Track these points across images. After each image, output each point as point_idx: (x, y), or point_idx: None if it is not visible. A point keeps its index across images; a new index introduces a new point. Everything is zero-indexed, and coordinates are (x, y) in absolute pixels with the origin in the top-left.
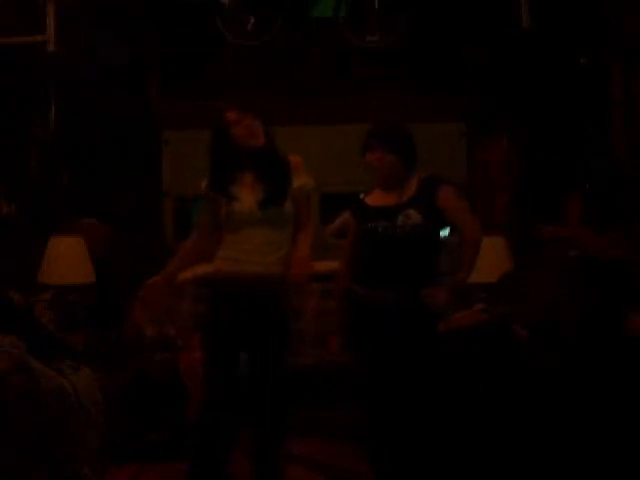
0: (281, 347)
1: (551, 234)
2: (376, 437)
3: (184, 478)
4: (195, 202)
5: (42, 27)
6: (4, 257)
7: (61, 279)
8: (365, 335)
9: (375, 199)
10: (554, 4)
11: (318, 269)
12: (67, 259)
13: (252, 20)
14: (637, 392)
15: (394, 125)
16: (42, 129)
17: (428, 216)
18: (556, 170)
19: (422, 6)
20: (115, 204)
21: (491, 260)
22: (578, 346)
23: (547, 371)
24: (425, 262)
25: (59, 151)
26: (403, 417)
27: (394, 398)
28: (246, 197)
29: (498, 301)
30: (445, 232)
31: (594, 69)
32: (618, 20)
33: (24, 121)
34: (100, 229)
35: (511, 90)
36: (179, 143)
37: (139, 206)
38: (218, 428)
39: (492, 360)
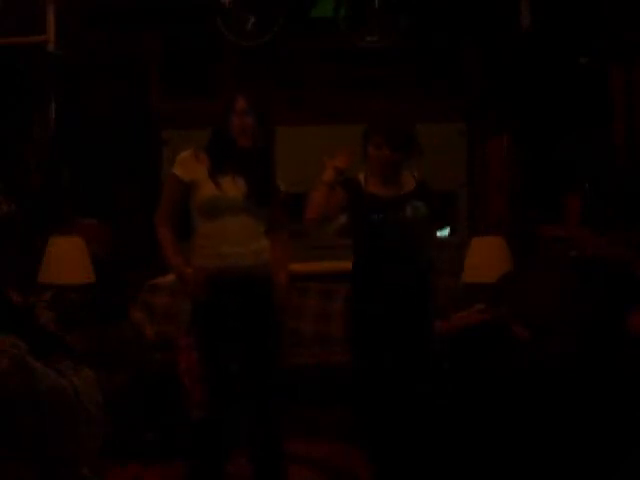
0: (273, 341)
1: (551, 234)
2: (377, 437)
3: (184, 478)
4: None
5: (42, 27)
6: (4, 257)
7: (61, 279)
8: (372, 332)
9: (375, 187)
10: (554, 4)
11: (317, 269)
12: (67, 259)
13: (252, 20)
14: (638, 392)
15: (398, 121)
16: (42, 129)
17: (429, 209)
18: (556, 170)
19: (422, 6)
20: (115, 204)
21: (491, 260)
22: (578, 346)
23: (547, 371)
24: (426, 251)
25: (59, 151)
26: (406, 417)
27: (399, 397)
28: (227, 186)
29: (498, 301)
30: (445, 232)
31: (594, 69)
32: (618, 20)
33: (24, 121)
34: (100, 229)
35: (511, 90)
36: (179, 143)
37: (139, 206)
38: (220, 427)
39: (492, 360)
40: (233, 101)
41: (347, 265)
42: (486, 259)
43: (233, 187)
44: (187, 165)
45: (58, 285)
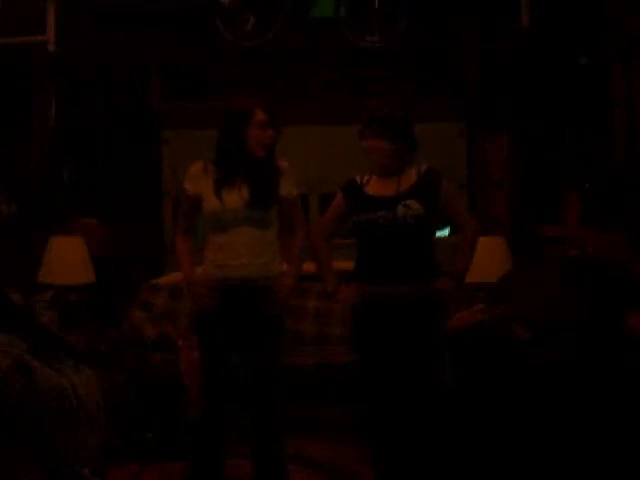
0: (274, 346)
1: (551, 234)
2: (381, 437)
3: (184, 478)
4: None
5: (42, 27)
6: (4, 257)
7: (61, 279)
8: (374, 332)
9: (374, 188)
10: (554, 4)
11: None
12: (67, 259)
13: (252, 20)
14: (637, 392)
15: (392, 112)
16: (42, 129)
17: (428, 207)
18: (556, 170)
19: (422, 6)
20: (115, 204)
21: (491, 260)
22: (578, 346)
23: (547, 371)
24: (426, 252)
25: (59, 151)
26: (409, 416)
27: (402, 397)
28: (229, 198)
29: (498, 301)
30: (445, 232)
31: (594, 69)
32: (618, 20)
33: (24, 121)
34: (100, 229)
35: (511, 90)
36: (179, 143)
37: (139, 206)
38: (216, 425)
39: (492, 360)
40: (250, 112)
41: (348, 265)
42: (486, 259)
43: (237, 199)
44: (194, 178)
45: (58, 285)
